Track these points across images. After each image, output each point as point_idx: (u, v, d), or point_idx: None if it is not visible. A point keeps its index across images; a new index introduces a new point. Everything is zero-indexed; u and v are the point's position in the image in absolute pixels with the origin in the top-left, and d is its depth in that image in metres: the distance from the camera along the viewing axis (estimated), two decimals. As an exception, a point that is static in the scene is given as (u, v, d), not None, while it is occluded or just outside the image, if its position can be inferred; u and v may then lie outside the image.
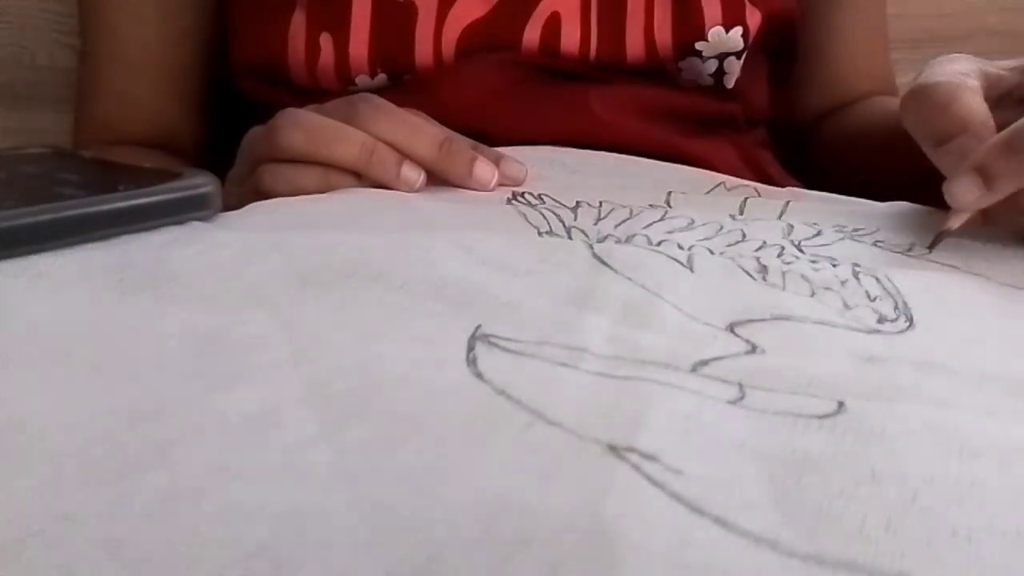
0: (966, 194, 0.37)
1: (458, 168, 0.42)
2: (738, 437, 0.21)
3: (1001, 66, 0.41)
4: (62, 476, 0.19)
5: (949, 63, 0.41)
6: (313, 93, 0.55)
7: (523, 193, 0.41)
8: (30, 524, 0.18)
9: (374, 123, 0.41)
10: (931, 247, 0.38)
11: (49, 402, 0.22)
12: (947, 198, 0.37)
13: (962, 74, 0.40)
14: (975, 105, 0.39)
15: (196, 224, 0.34)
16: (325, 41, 0.53)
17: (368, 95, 0.43)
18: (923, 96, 0.40)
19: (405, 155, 0.41)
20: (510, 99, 0.53)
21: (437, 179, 0.42)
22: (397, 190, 0.41)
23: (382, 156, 0.41)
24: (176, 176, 0.35)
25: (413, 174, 0.41)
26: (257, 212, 0.37)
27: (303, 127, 0.41)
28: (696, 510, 0.19)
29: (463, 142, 0.43)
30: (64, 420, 0.21)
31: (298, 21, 0.54)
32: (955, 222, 0.38)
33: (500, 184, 0.42)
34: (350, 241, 0.32)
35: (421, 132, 0.42)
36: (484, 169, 0.42)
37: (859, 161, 0.63)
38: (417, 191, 0.41)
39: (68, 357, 0.24)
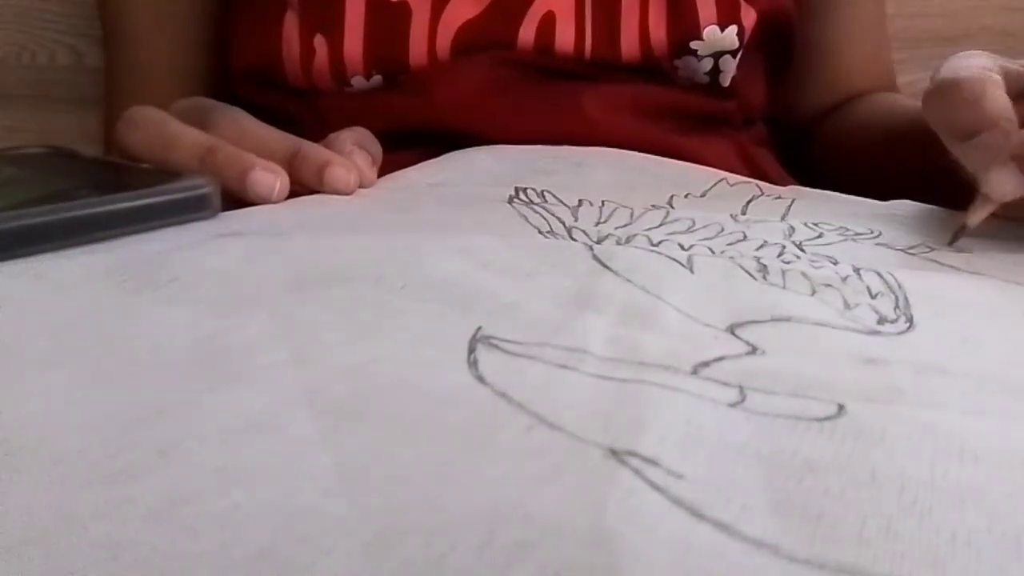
0: (1006, 184, 0.37)
1: (307, 180, 0.40)
2: (739, 440, 0.21)
3: (1019, 63, 0.41)
4: (64, 479, 0.19)
5: (969, 58, 0.41)
6: (309, 94, 0.55)
7: (525, 190, 0.41)
8: (32, 527, 0.18)
9: (220, 132, 0.40)
10: (951, 242, 0.38)
11: (51, 405, 0.22)
12: (985, 188, 0.38)
13: (986, 69, 0.40)
14: (1002, 101, 0.39)
15: (196, 225, 0.34)
16: (319, 44, 0.53)
17: (229, 107, 0.42)
18: (949, 91, 0.40)
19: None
20: (504, 98, 0.53)
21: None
22: (242, 195, 0.38)
23: (219, 161, 0.39)
24: (176, 177, 0.35)
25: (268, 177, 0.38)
26: (257, 214, 0.37)
27: (142, 129, 0.41)
28: (697, 515, 0.19)
29: (315, 151, 0.41)
30: (66, 423, 0.21)
31: (292, 24, 0.54)
32: (977, 216, 0.38)
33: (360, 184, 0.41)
34: (350, 244, 0.32)
35: (268, 148, 0.40)
36: (337, 175, 0.40)
37: (861, 158, 0.63)
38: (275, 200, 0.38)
39: (69, 359, 0.24)
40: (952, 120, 0.40)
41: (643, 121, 0.55)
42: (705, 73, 0.57)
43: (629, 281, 0.31)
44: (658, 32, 0.55)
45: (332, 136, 0.43)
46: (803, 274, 0.32)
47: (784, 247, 0.36)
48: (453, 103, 0.52)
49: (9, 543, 0.17)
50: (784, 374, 0.25)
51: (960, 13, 0.81)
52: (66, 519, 0.18)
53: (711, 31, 0.55)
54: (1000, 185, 0.38)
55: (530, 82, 0.54)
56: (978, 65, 0.40)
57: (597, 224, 0.37)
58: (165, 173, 0.36)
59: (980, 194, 0.39)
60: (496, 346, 0.25)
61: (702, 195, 0.44)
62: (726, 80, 0.57)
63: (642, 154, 0.50)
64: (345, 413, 0.22)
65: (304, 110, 0.56)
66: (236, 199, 0.38)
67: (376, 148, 0.45)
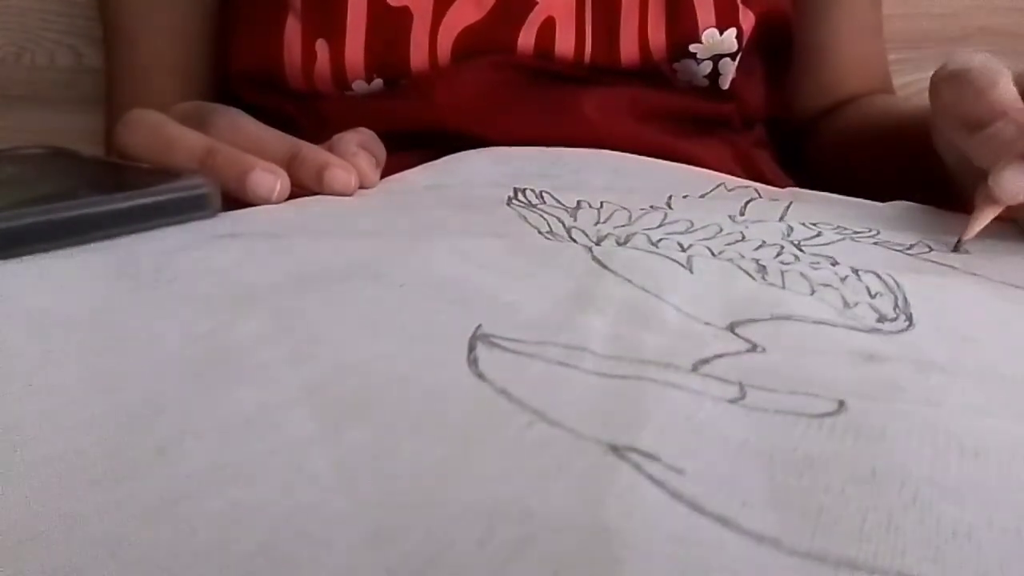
0: (1016, 183, 0.36)
1: (307, 181, 0.40)
2: (739, 436, 0.21)
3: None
4: (63, 477, 0.19)
5: (974, 55, 0.40)
6: (309, 97, 0.55)
7: (524, 191, 0.41)
8: (31, 525, 0.18)
9: (220, 134, 0.40)
10: (955, 248, 0.37)
11: (50, 403, 0.22)
12: (993, 187, 0.36)
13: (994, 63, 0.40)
14: (1012, 92, 0.38)
15: (196, 225, 0.34)
16: (321, 48, 0.54)
17: (229, 108, 0.42)
18: (960, 81, 0.39)
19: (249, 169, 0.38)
20: (504, 101, 0.53)
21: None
22: (242, 196, 0.38)
23: (219, 162, 0.38)
24: (175, 176, 0.35)
25: (269, 178, 0.38)
26: (257, 214, 0.37)
27: (142, 131, 0.41)
28: (697, 509, 0.19)
29: (314, 153, 0.41)
30: (65, 421, 0.21)
31: (293, 28, 0.54)
32: (980, 223, 0.37)
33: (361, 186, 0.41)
34: (349, 244, 0.32)
35: (268, 149, 0.40)
36: (336, 176, 0.40)
37: (857, 159, 0.63)
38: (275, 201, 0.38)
39: (69, 358, 0.24)
40: (960, 110, 0.39)
41: (642, 124, 0.55)
42: (704, 76, 0.57)
43: (629, 281, 0.31)
44: (657, 36, 0.55)
45: (337, 137, 0.43)
46: (802, 274, 0.32)
47: (783, 247, 0.36)
48: (453, 106, 0.52)
49: (8, 542, 0.17)
50: (784, 371, 0.25)
51: (960, 13, 0.81)
52: (65, 517, 0.18)
53: (710, 34, 0.55)
54: (1010, 184, 0.36)
55: (530, 86, 0.54)
56: (986, 59, 0.40)
57: (596, 224, 0.37)
58: (165, 173, 0.36)
59: (984, 197, 0.37)
60: (496, 344, 0.25)
61: (700, 197, 0.44)
62: (725, 83, 0.57)
63: (641, 157, 0.50)
64: (345, 410, 0.22)
65: (304, 113, 0.56)
66: (236, 200, 0.38)
67: (380, 150, 0.45)
